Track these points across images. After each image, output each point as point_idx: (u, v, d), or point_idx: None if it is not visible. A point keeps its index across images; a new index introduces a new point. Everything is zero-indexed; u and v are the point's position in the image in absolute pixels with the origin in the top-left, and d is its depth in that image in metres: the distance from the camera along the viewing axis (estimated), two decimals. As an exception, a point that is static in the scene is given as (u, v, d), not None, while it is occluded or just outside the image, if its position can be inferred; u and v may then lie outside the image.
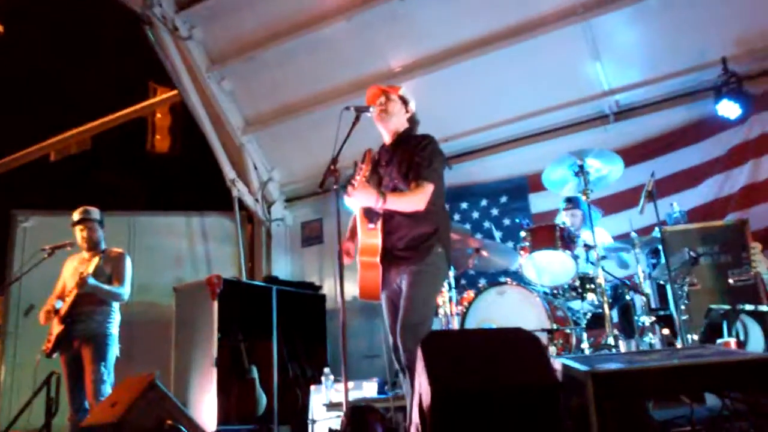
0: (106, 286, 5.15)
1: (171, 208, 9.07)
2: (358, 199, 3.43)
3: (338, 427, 2.65)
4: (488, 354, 2.36)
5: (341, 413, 5.35)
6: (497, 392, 2.24)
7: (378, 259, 3.45)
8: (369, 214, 3.44)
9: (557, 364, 2.42)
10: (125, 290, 5.28)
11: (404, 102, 3.83)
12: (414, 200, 3.50)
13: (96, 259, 5.09)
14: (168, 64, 7.80)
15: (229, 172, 8.34)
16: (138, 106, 10.79)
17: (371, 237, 3.45)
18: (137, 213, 8.68)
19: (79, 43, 10.57)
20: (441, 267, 3.58)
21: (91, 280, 5.00)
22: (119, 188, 10.89)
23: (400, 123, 3.80)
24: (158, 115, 11.07)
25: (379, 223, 3.44)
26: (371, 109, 3.70)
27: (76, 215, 5.41)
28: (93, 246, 5.35)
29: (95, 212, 5.47)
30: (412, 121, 3.86)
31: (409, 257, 3.52)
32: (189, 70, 7.87)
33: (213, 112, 8.13)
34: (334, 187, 3.37)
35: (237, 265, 8.51)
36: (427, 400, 2.27)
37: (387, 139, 3.83)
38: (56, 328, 5.10)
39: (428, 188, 3.52)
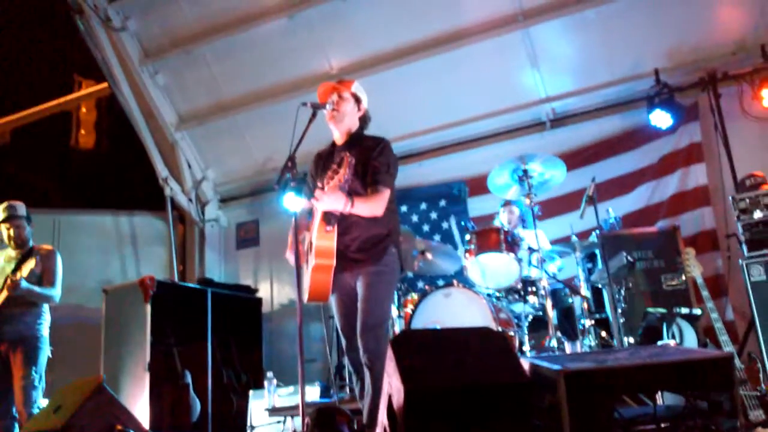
0: (38, 289, 4.90)
1: (98, 207, 8.70)
2: (329, 203, 3.37)
3: (299, 430, 2.58)
4: (459, 352, 2.34)
5: (282, 418, 5.29)
6: (469, 390, 2.23)
7: (333, 261, 3.40)
8: (327, 217, 3.38)
9: (525, 363, 2.42)
10: (57, 291, 5.05)
11: (357, 100, 3.78)
12: (375, 205, 3.49)
13: (32, 261, 4.81)
14: (99, 55, 7.51)
15: (162, 170, 8.09)
16: (62, 100, 10.31)
17: (327, 239, 3.39)
18: (62, 211, 8.30)
19: (-1, 30, 10.06)
20: (395, 268, 3.59)
21: (24, 284, 4.75)
22: (41, 185, 10.39)
23: (352, 123, 3.76)
24: (83, 110, 10.63)
25: (336, 226, 3.39)
26: (327, 107, 3.64)
27: (0, 213, 5.11)
28: (21, 244, 5.08)
29: (21, 208, 5.19)
30: (364, 119, 3.82)
31: (363, 259, 3.49)
32: (121, 62, 7.60)
33: (145, 107, 7.87)
34: (291, 185, 3.28)
35: (168, 266, 8.27)
36: (398, 399, 2.24)
37: (338, 138, 3.77)
38: None
39: (386, 193, 3.53)
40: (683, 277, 5.33)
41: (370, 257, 3.50)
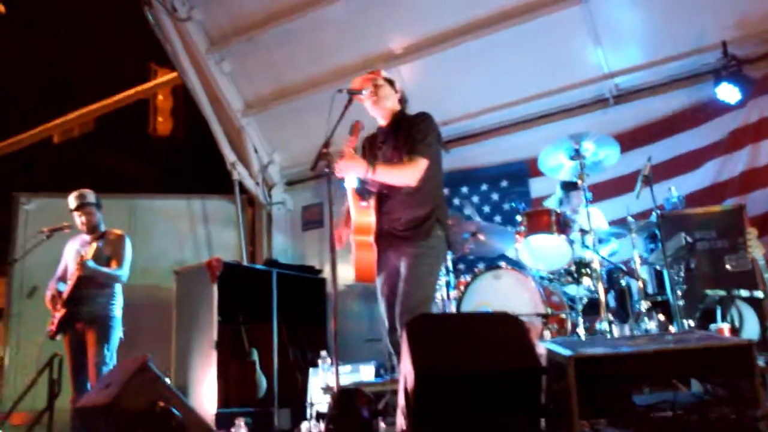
0: (104, 269, 5.19)
1: (172, 191, 9.08)
2: (346, 170, 3.40)
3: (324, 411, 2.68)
4: (472, 337, 2.37)
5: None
6: (479, 375, 2.26)
7: (372, 238, 3.43)
8: (361, 191, 3.43)
9: (541, 348, 2.43)
10: (124, 272, 5.33)
11: (390, 83, 3.83)
12: (406, 173, 3.46)
13: (95, 244, 5.12)
14: (167, 45, 7.81)
15: (230, 155, 8.34)
16: (139, 88, 10.77)
17: (365, 215, 3.42)
18: (138, 196, 8.69)
19: (80, 24, 10.54)
20: (441, 250, 3.57)
21: (90, 263, 5.04)
22: (121, 171, 10.91)
23: (393, 105, 3.80)
24: (160, 97, 11.05)
25: (372, 201, 3.43)
26: (363, 92, 3.69)
27: (72, 201, 5.44)
28: (93, 229, 5.40)
29: (90, 195, 5.49)
30: (403, 100, 3.86)
31: (409, 237, 3.48)
32: (188, 51, 7.86)
33: (212, 94, 8.12)
34: (326, 170, 3.36)
35: (238, 248, 8.53)
36: (410, 382, 2.30)
37: (382, 121, 3.83)
38: (60, 310, 5.16)
39: (421, 163, 3.48)
40: (747, 258, 5.11)
41: (414, 236, 3.49)
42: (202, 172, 10.13)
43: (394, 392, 3.80)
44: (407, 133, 3.61)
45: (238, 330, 6.94)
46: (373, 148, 3.81)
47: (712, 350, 2.22)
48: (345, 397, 2.61)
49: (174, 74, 10.21)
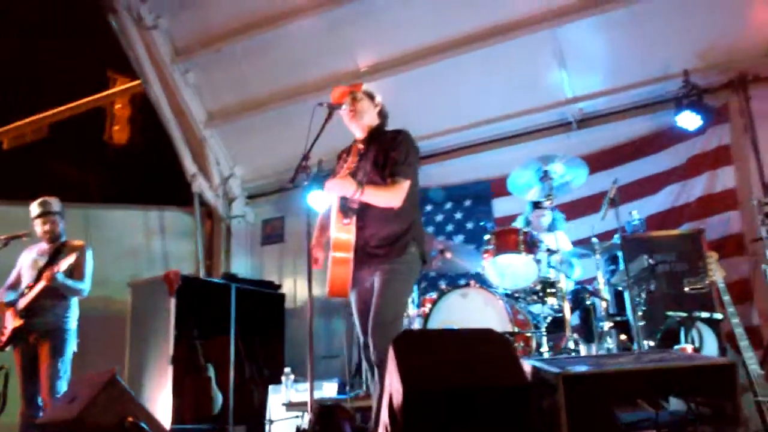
0: (71, 282, 5.05)
1: (128, 201, 8.87)
2: (336, 189, 3.42)
3: (305, 426, 2.62)
4: (459, 354, 2.35)
5: (300, 413, 5.35)
6: (468, 392, 2.24)
7: (351, 254, 3.42)
8: (344, 209, 3.41)
9: (527, 365, 2.43)
10: (86, 285, 5.20)
11: (370, 97, 3.83)
12: (391, 195, 3.49)
13: (72, 257, 4.96)
14: (131, 53, 7.64)
15: (190, 167, 8.20)
16: (97, 96, 10.53)
17: (345, 232, 3.42)
18: (93, 205, 8.49)
19: (37, 29, 10.28)
20: (414, 267, 3.57)
21: (60, 276, 4.92)
22: (75, 179, 10.63)
23: (371, 119, 3.79)
24: (117, 106, 10.84)
25: (354, 219, 3.42)
26: (343, 106, 3.68)
27: (35, 208, 5.27)
28: (55, 238, 5.23)
29: (56, 204, 5.34)
30: (382, 114, 3.86)
31: (383, 255, 3.50)
32: (153, 60, 7.72)
33: (176, 104, 7.99)
34: (305, 183, 3.32)
35: (195, 261, 8.39)
36: (398, 399, 2.26)
37: (359, 135, 3.81)
38: (12, 321, 4.97)
39: (405, 184, 3.52)
40: (706, 281, 5.24)
41: (388, 254, 3.50)
42: (159, 183, 9.94)
43: (357, 409, 3.76)
44: (385, 151, 3.61)
45: (194, 345, 6.77)
46: (344, 160, 3.78)
47: (697, 369, 2.25)
48: (327, 413, 2.56)
49: (133, 83, 10.04)
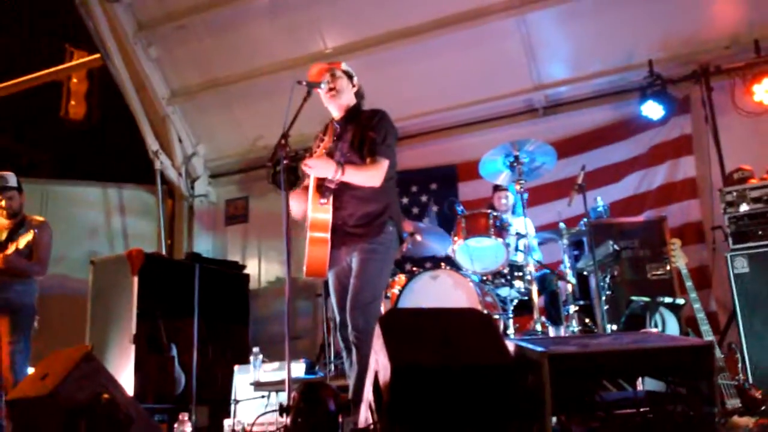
0: (26, 265, 4.98)
1: (86, 178, 8.66)
2: (316, 170, 3.40)
3: (288, 403, 2.62)
4: (446, 333, 2.38)
5: (266, 393, 5.33)
6: (456, 370, 2.27)
7: (328, 234, 3.41)
8: (321, 189, 3.40)
9: (510, 345, 2.46)
10: (44, 266, 5.09)
11: (349, 77, 3.80)
12: (371, 175, 3.48)
13: (29, 234, 4.87)
14: (92, 26, 7.48)
15: (152, 144, 8.06)
16: (52, 70, 10.15)
17: (322, 212, 3.40)
18: (50, 182, 8.28)
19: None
20: (392, 246, 3.57)
21: (13, 260, 4.85)
22: (30, 155, 10.32)
23: (349, 99, 3.76)
24: (74, 80, 10.46)
25: (331, 199, 3.40)
26: (322, 86, 3.64)
27: None
28: (13, 214, 5.11)
29: (12, 178, 5.22)
30: (359, 95, 3.84)
31: (361, 234, 3.49)
32: (114, 34, 7.57)
33: (138, 79, 7.84)
34: (285, 162, 3.29)
35: (156, 240, 8.27)
36: (384, 376, 2.27)
37: (336, 114, 3.78)
38: None
39: (384, 164, 3.51)
40: (668, 267, 5.40)
41: (366, 233, 3.49)
42: (118, 159, 9.72)
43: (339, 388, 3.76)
44: (363, 131, 3.59)
45: (156, 324, 6.66)
46: (324, 141, 3.75)
47: (677, 349, 2.32)
48: (311, 390, 2.56)
49: (92, 57, 9.71)
